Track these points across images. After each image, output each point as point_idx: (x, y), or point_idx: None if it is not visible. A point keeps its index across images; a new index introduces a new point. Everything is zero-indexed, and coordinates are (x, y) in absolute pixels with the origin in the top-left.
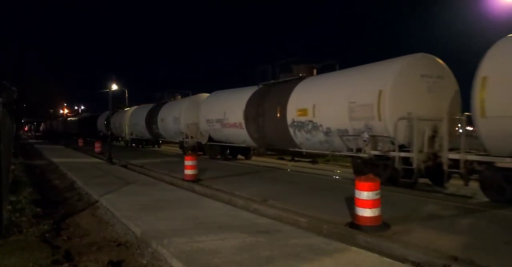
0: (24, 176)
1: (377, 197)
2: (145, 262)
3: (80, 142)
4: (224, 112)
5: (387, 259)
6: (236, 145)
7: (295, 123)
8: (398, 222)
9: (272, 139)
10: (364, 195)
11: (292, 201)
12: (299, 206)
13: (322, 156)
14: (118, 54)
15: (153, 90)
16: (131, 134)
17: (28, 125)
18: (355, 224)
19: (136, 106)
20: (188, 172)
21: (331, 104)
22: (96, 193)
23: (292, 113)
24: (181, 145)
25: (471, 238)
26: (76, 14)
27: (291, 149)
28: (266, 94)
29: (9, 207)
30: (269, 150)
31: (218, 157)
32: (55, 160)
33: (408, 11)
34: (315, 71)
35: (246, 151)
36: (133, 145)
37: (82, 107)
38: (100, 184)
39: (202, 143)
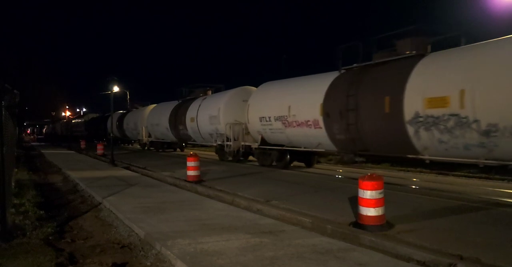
0: (27, 178)
1: (381, 196)
2: (149, 264)
3: (83, 144)
4: (288, 107)
5: (392, 258)
6: (304, 149)
7: (421, 119)
8: (402, 221)
9: (370, 142)
10: (367, 194)
11: (295, 201)
12: (302, 206)
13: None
14: (120, 56)
15: (160, 89)
16: (149, 136)
17: (31, 128)
18: (359, 223)
19: (154, 105)
20: (190, 173)
21: (498, 88)
22: (99, 195)
23: (415, 105)
24: (219, 149)
25: (476, 236)
26: (77, 16)
27: (408, 156)
28: (359, 80)
29: (13, 210)
30: (362, 156)
31: (274, 163)
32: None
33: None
34: (429, 47)
35: (308, 157)
36: (151, 148)
37: (84, 109)
38: (103, 186)
39: (252, 146)
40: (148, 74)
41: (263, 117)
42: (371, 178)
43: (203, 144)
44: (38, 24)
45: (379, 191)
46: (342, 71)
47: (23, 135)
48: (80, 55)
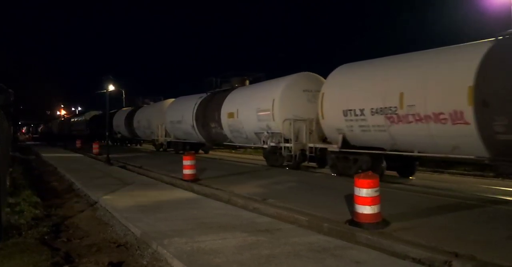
0: (22, 178)
1: (377, 194)
2: (145, 263)
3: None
4: (400, 95)
5: (389, 256)
6: (419, 154)
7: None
8: (398, 219)
9: None
10: (363, 192)
11: (291, 200)
12: (298, 204)
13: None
14: (120, 56)
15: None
16: (167, 135)
17: (26, 127)
18: (355, 221)
19: (173, 99)
20: (187, 171)
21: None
22: (95, 194)
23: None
24: (269, 151)
25: (472, 233)
26: (77, 16)
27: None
28: None
29: (8, 209)
30: None
31: (359, 171)
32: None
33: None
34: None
35: (409, 164)
36: (169, 149)
37: (80, 108)
38: (99, 185)
39: (329, 149)
40: (148, 74)
41: (350, 110)
42: (367, 176)
43: (243, 145)
44: (38, 23)
45: (375, 189)
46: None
47: (18, 134)
48: (80, 55)
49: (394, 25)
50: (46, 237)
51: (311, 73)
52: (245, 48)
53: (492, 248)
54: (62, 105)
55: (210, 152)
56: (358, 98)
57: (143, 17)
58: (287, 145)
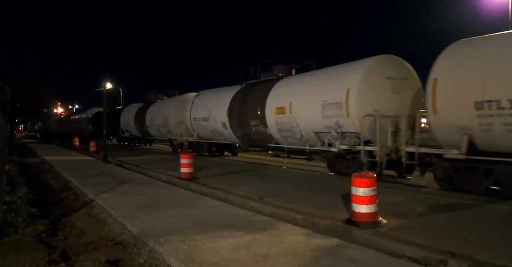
0: (19, 175)
1: (374, 193)
2: (142, 261)
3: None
4: None
5: (385, 255)
6: None
7: None
8: (394, 218)
9: None
10: (360, 191)
11: (288, 199)
12: (295, 203)
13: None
14: (120, 56)
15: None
16: (188, 135)
17: (23, 125)
18: (352, 220)
19: (196, 94)
20: (184, 170)
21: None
22: (92, 192)
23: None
24: (336, 157)
25: (468, 233)
26: (77, 16)
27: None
28: None
29: (4, 207)
30: None
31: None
32: None
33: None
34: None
35: None
36: (190, 150)
37: (77, 106)
38: (96, 184)
39: (446, 156)
40: (148, 74)
41: (489, 101)
42: (364, 175)
43: (293, 147)
44: (37, 23)
45: (372, 188)
46: None
47: (15, 131)
48: (79, 54)
49: (394, 25)
50: (43, 235)
51: (394, 56)
52: (245, 48)
53: (488, 247)
54: (59, 103)
55: (238, 154)
56: (506, 83)
57: (143, 17)
58: (369, 148)
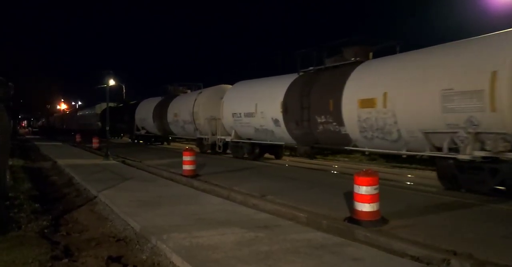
0: (22, 172)
1: (376, 191)
2: (144, 257)
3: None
4: None
5: (387, 253)
6: None
7: None
8: (396, 217)
9: None
10: (363, 189)
11: (290, 196)
12: (297, 201)
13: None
14: (120, 56)
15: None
16: (223, 133)
17: (26, 121)
18: (354, 218)
19: (231, 86)
20: (186, 167)
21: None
22: (95, 188)
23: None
24: (463, 167)
25: (470, 232)
26: (77, 16)
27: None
28: None
29: (8, 202)
30: None
31: None
32: None
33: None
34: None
35: None
36: (219, 151)
37: (80, 103)
38: (98, 180)
39: None
40: (148, 74)
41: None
42: (367, 173)
43: (379, 151)
44: (39, 21)
45: (374, 186)
46: None
47: (18, 127)
48: (80, 53)
49: (394, 25)
50: (45, 231)
51: None
52: (245, 48)
53: (490, 246)
54: (62, 100)
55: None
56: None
57: (143, 17)
58: None
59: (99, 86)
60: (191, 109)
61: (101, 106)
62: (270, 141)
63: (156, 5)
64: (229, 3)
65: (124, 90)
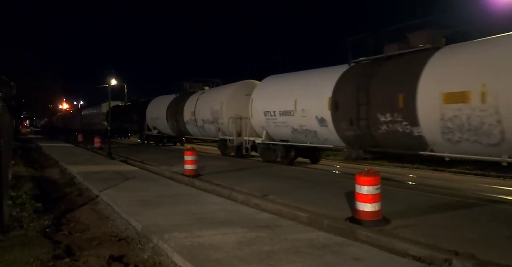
0: (24, 171)
1: (378, 191)
2: (146, 257)
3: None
4: None
5: (388, 253)
6: None
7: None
8: (398, 217)
9: None
10: (364, 189)
11: (292, 196)
12: (299, 201)
13: None
14: (120, 56)
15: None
16: (251, 134)
17: (28, 120)
18: (355, 218)
19: (261, 82)
20: (188, 166)
21: None
22: (96, 188)
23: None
24: None
25: (472, 232)
26: (77, 16)
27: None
28: None
29: (10, 202)
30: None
31: None
32: None
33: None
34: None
35: None
36: (245, 154)
37: (82, 102)
38: (100, 179)
39: None
40: (148, 74)
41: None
42: (368, 173)
43: (467, 157)
44: (39, 21)
45: (376, 186)
46: None
47: (20, 127)
48: (81, 54)
49: (395, 25)
50: (47, 230)
51: None
52: (245, 48)
53: (492, 247)
54: (64, 99)
55: (321, 162)
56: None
57: (143, 17)
58: None
59: (100, 85)
60: (212, 108)
61: (107, 105)
62: (310, 143)
63: (156, 5)
64: (229, 4)
65: (126, 90)
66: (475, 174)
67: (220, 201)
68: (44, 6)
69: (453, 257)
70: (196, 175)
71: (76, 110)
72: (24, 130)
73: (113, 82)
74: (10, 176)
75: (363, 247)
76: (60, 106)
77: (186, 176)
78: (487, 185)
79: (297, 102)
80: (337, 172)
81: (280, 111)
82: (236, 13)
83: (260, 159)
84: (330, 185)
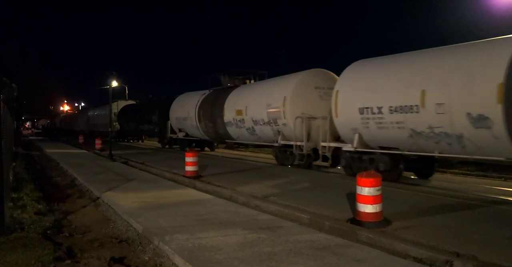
0: (25, 172)
1: (379, 193)
2: (147, 258)
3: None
4: None
5: (389, 255)
6: None
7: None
8: (399, 218)
9: None
10: (365, 191)
11: (293, 197)
12: (300, 202)
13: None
14: (120, 56)
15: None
16: (329, 138)
17: (30, 122)
18: (356, 220)
19: (348, 68)
20: (189, 168)
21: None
22: (97, 189)
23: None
24: None
25: (473, 233)
26: (78, 16)
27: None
28: None
29: (11, 203)
30: None
31: None
32: None
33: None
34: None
35: None
36: (313, 164)
37: (83, 104)
38: (101, 181)
39: None
40: (148, 74)
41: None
42: (369, 175)
43: None
44: (42, 26)
45: (377, 188)
46: None
47: (22, 128)
48: (82, 55)
49: (395, 25)
50: (48, 232)
51: None
52: (246, 48)
53: (493, 248)
54: (65, 101)
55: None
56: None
57: (143, 17)
58: None
59: (102, 87)
60: (269, 105)
61: (118, 104)
62: (440, 153)
63: (156, 6)
64: (229, 3)
65: (127, 91)
66: (477, 175)
67: (221, 202)
68: (45, 8)
69: (454, 259)
70: (197, 176)
71: (82, 111)
72: (25, 131)
73: (114, 84)
74: (11, 178)
75: (364, 248)
76: (61, 108)
77: (187, 177)
78: (488, 186)
79: (426, 94)
80: (338, 173)
81: (391, 107)
82: (236, 13)
83: (335, 170)
84: (331, 186)
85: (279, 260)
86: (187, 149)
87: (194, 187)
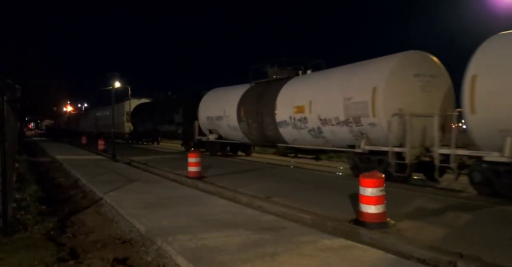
0: (28, 173)
1: (382, 193)
2: (150, 259)
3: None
4: None
5: (392, 255)
6: None
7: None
8: (402, 219)
9: None
10: (368, 191)
11: (296, 198)
12: (303, 203)
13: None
14: (120, 56)
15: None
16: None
17: (34, 123)
18: (359, 220)
19: (488, 42)
20: (191, 169)
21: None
22: (100, 190)
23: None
24: None
25: (476, 234)
26: (74, 11)
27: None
28: None
29: (14, 204)
30: None
31: None
32: None
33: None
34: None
35: None
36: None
37: (86, 105)
38: (104, 182)
39: None
40: (148, 74)
41: None
42: (372, 175)
43: None
44: (39, 19)
45: (380, 188)
46: None
47: (25, 129)
48: (84, 56)
49: (396, 24)
50: (51, 233)
51: None
52: (246, 48)
53: (497, 248)
54: (68, 102)
55: None
56: None
57: (143, 17)
58: None
59: (104, 88)
60: (350, 98)
61: (130, 103)
62: None
63: (155, 7)
64: (230, 3)
65: (129, 92)
66: None
67: (224, 203)
68: (45, 8)
69: (457, 259)
70: (199, 177)
71: (89, 110)
72: (29, 133)
73: (117, 84)
74: (14, 178)
75: (367, 249)
76: (65, 109)
77: (190, 178)
78: None
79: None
80: (340, 173)
81: None
82: (236, 13)
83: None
84: (334, 187)
85: (282, 261)
86: (190, 149)
87: (197, 188)
